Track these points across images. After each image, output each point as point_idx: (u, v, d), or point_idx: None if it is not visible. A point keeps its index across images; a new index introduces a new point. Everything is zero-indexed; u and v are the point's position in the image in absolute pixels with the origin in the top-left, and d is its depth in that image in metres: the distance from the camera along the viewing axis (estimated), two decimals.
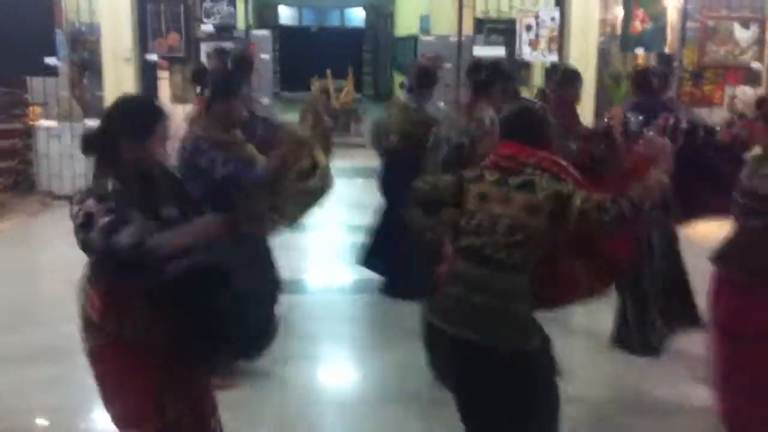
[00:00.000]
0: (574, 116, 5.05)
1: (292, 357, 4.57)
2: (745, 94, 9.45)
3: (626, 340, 4.71)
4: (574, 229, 2.70)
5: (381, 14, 25.18)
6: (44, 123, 9.11)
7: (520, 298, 2.74)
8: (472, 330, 2.69)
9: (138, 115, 2.59)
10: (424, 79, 5.61)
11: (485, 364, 2.71)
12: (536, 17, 9.09)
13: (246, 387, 4.12)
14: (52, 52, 8.50)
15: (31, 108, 9.12)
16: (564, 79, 5.14)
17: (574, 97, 5.10)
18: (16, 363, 4.19)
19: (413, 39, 14.39)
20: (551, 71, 6.36)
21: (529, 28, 9.12)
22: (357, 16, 28.25)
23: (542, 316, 2.85)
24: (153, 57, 8.76)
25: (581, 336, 5.05)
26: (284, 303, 5.34)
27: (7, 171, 8.53)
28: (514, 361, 2.70)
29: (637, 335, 4.65)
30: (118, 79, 8.68)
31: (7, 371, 4.11)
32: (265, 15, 25.42)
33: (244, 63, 5.51)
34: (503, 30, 9.43)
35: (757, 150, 3.46)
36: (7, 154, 8.60)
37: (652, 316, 4.63)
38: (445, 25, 12.01)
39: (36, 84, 9.05)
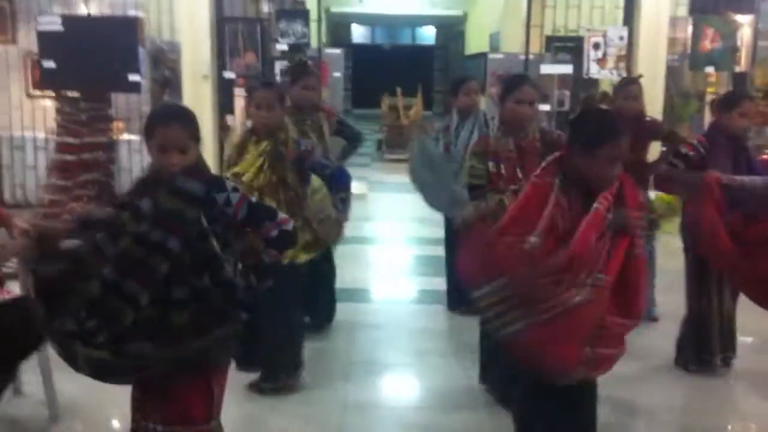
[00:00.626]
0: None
1: (353, 362, 4.78)
2: None
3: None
4: None
5: (451, 32, 25.39)
6: (127, 137, 9.53)
7: None
8: None
9: (149, 116, 2.87)
10: None
11: None
12: (604, 35, 9.14)
13: (305, 391, 4.33)
14: (136, 69, 8.91)
15: (114, 123, 9.54)
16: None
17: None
18: None
19: (483, 57, 14.49)
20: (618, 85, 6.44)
21: (597, 46, 9.18)
22: (428, 34, 28.51)
23: None
24: (230, 75, 9.09)
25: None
26: (348, 310, 5.60)
27: (91, 182, 8.92)
28: None
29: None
30: (197, 96, 9.02)
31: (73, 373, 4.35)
32: (338, 34, 25.91)
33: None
34: (571, 48, 9.50)
35: None
36: (92, 166, 8.99)
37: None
38: (514, 42, 12.13)
39: (119, 100, 9.48)
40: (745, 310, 4.53)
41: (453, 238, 5.41)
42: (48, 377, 3.90)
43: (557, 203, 2.74)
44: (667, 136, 5.50)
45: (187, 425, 2.71)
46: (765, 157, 5.07)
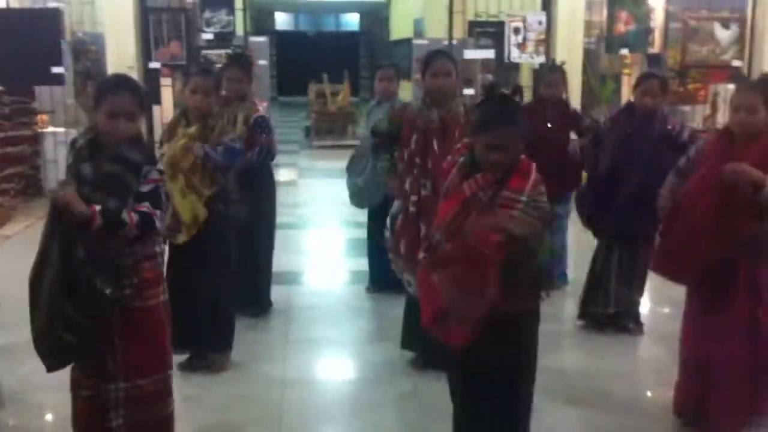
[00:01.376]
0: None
1: (292, 340, 4.95)
2: (726, 91, 9.81)
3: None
4: None
5: (376, 18, 25.53)
6: (51, 130, 9.45)
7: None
8: None
9: (96, 86, 3.10)
10: None
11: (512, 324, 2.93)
12: (524, 21, 9.42)
13: (244, 369, 4.48)
14: (59, 62, 8.83)
15: (39, 116, 9.45)
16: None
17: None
18: (22, 355, 4.49)
19: (408, 42, 14.69)
20: (539, 71, 6.72)
21: (517, 31, 9.46)
22: (352, 20, 28.57)
23: None
24: (156, 65, 9.08)
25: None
26: (283, 292, 5.75)
27: (16, 176, 8.84)
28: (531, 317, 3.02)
29: None
30: None
31: (14, 363, 4.42)
32: (261, 21, 25.77)
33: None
34: (492, 33, 9.76)
35: None
36: (16, 160, 8.92)
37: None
38: (438, 28, 12.32)
39: (43, 92, 9.39)
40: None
41: (374, 220, 5.64)
42: None
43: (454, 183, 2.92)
44: (587, 129, 5.69)
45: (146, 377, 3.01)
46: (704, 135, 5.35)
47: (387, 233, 4.37)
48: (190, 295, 4.14)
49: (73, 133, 9.11)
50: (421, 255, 2.97)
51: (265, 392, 4.22)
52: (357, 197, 5.70)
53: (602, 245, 5.04)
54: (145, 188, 2.87)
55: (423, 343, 4.23)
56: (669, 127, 4.77)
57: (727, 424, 3.59)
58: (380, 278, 5.75)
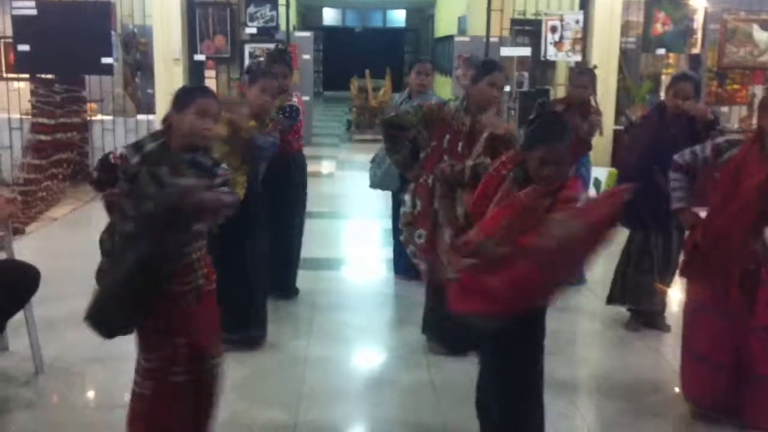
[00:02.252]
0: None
1: (317, 322, 5.19)
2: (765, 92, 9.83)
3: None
4: None
5: (422, 15, 25.69)
6: (100, 118, 9.82)
7: None
8: None
9: (181, 90, 3.16)
10: None
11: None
12: (561, 20, 9.53)
13: (268, 347, 4.72)
14: (109, 53, 9.19)
15: (88, 104, 9.82)
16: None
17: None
18: (64, 327, 4.79)
19: (451, 39, 14.84)
20: (572, 72, 6.83)
21: (554, 29, 9.58)
22: (398, 17, 28.73)
23: None
24: (201, 58, 9.40)
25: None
26: (312, 277, 5.98)
27: (65, 162, 9.21)
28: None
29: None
30: (168, 78, 9.31)
31: (56, 334, 4.71)
32: (309, 17, 26.10)
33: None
34: (530, 32, 9.90)
35: None
36: (66, 146, 9.28)
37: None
38: (481, 26, 12.46)
39: (93, 82, 9.76)
40: None
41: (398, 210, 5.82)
42: (34, 334, 4.25)
43: (506, 194, 3.08)
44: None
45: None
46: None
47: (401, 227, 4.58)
48: (230, 276, 4.38)
49: (121, 121, 9.49)
50: (463, 260, 3.04)
51: (289, 369, 4.45)
52: (374, 181, 6.04)
53: (636, 238, 5.08)
54: (218, 181, 3.08)
55: (442, 330, 4.43)
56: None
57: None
58: (405, 264, 5.95)
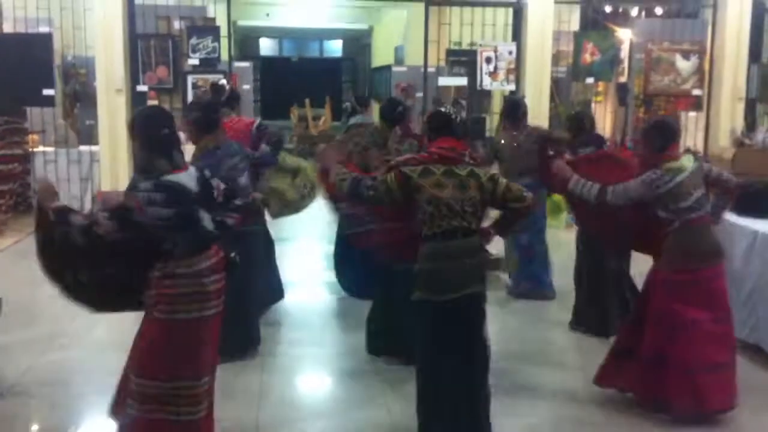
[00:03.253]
0: None
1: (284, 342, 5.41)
2: (688, 118, 10.36)
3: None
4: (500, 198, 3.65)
5: (358, 45, 25.99)
6: (42, 149, 9.81)
7: (480, 251, 3.66)
8: (474, 285, 3.57)
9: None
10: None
11: (478, 307, 3.64)
12: (495, 50, 9.91)
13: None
14: (50, 84, 9.23)
15: (30, 135, 9.80)
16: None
17: None
18: (20, 353, 4.88)
19: (388, 69, 15.16)
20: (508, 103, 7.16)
21: (489, 60, 9.95)
22: (335, 47, 29.02)
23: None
24: (143, 88, 9.48)
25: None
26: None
27: (7, 193, 9.17)
28: (482, 299, 3.65)
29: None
30: (111, 109, 9.35)
31: (13, 360, 4.81)
32: (246, 47, 26.19)
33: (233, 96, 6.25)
34: (466, 62, 10.25)
35: None
36: (7, 177, 9.25)
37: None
38: (418, 56, 12.79)
39: (34, 113, 9.75)
40: None
41: (342, 236, 6.04)
42: None
43: None
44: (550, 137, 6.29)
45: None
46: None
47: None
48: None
49: (63, 152, 9.52)
50: None
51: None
52: None
53: (596, 257, 5.44)
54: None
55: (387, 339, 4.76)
56: None
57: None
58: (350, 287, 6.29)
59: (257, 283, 5.11)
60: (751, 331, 5.04)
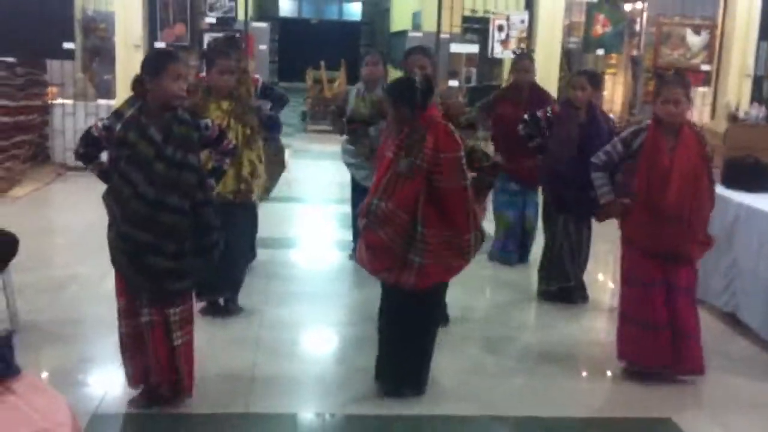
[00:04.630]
0: None
1: (270, 292, 5.61)
2: (697, 93, 10.46)
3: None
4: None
5: (378, 9, 26.04)
6: (60, 101, 10.06)
7: None
8: None
9: (153, 57, 3.61)
10: None
11: None
12: (507, 19, 10.04)
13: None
14: (71, 38, 9.46)
15: (49, 88, 10.05)
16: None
17: None
18: (34, 292, 5.18)
19: (405, 34, 15.24)
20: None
21: (501, 28, 10.08)
22: (355, 10, 29.03)
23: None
24: (161, 45, 9.68)
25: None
26: (268, 255, 6.38)
27: (26, 143, 9.44)
28: None
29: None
30: (129, 64, 9.53)
31: (35, 297, 5.14)
32: (265, 7, 26.27)
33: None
34: (478, 30, 10.39)
35: None
36: (27, 128, 9.51)
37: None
38: (434, 22, 12.91)
39: (54, 66, 9.99)
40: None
41: (357, 192, 6.20)
42: (12, 297, 4.63)
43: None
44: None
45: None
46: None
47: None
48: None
49: (81, 105, 9.75)
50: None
51: (243, 331, 4.87)
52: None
53: (558, 225, 5.58)
54: (215, 133, 3.73)
55: None
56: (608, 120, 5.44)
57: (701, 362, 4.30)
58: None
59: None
60: (729, 300, 5.25)
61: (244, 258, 5.23)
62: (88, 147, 3.60)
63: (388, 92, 3.85)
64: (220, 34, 9.55)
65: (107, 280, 5.51)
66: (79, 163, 3.79)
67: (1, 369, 1.80)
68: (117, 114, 3.54)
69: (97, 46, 11.62)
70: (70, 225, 7.32)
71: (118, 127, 3.44)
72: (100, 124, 3.53)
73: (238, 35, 7.76)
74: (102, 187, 3.60)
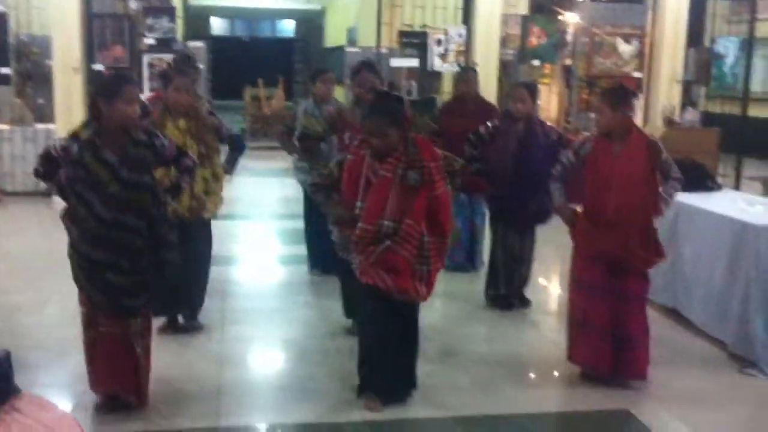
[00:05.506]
0: None
1: (228, 309, 5.65)
2: None
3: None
4: None
5: (311, 26, 26.05)
6: None
7: None
8: None
9: (108, 80, 3.76)
10: None
11: None
12: (445, 33, 10.23)
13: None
14: (6, 63, 9.32)
15: None
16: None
17: None
18: None
19: (341, 50, 15.34)
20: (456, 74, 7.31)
21: (439, 42, 10.28)
22: (288, 27, 29.04)
23: None
24: (99, 67, 9.60)
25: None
26: (221, 272, 6.39)
27: None
28: None
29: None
30: (67, 87, 9.45)
31: None
32: (197, 26, 26.03)
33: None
34: (417, 44, 10.57)
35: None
36: None
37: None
38: (370, 37, 13.03)
39: None
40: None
41: (310, 211, 6.30)
42: None
43: (369, 167, 3.86)
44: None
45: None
46: (571, 137, 6.17)
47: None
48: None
49: (19, 130, 9.61)
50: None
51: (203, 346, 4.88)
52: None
53: (500, 235, 5.72)
54: (172, 152, 3.87)
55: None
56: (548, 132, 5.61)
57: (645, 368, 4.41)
58: (321, 262, 6.44)
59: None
60: (670, 297, 5.53)
61: (204, 275, 5.22)
62: (47, 166, 3.72)
63: (380, 114, 3.83)
64: (161, 55, 9.61)
65: (50, 306, 5.53)
66: (19, 189, 3.93)
67: (5, 388, 1.82)
68: (74, 136, 3.62)
69: (28, 70, 11.44)
70: (11, 251, 7.20)
71: (75, 148, 3.55)
72: (57, 145, 3.65)
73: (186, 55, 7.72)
74: (41, 211, 3.72)
